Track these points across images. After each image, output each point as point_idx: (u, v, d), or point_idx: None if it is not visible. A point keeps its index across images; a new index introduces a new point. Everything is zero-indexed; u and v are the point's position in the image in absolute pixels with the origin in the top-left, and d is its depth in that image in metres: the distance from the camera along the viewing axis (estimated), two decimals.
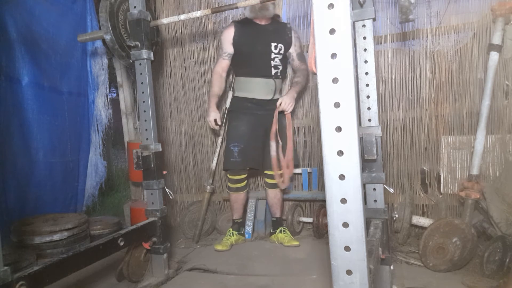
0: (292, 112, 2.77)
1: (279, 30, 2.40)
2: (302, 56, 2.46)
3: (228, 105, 2.75)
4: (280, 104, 2.28)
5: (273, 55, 2.37)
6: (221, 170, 2.98)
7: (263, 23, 2.40)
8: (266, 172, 2.48)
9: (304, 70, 2.43)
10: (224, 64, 2.45)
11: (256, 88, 2.40)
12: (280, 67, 2.42)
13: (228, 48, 2.41)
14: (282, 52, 2.39)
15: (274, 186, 2.45)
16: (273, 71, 2.40)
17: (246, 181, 2.53)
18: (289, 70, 2.66)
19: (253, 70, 2.40)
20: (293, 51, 2.43)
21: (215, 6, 2.78)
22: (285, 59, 2.45)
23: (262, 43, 2.36)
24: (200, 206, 2.80)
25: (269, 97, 2.41)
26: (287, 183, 2.30)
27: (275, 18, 2.48)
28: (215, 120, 2.42)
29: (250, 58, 2.40)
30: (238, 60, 2.45)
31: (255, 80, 2.40)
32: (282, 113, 2.35)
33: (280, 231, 2.48)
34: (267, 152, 2.41)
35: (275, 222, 2.57)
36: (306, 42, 2.71)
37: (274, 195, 2.50)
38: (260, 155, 2.46)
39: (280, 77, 2.46)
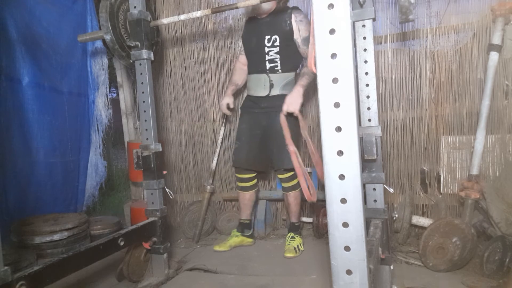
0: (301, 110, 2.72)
1: (275, 21, 2.23)
2: (308, 41, 2.11)
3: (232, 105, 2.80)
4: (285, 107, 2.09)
5: (266, 49, 2.23)
6: (221, 170, 2.99)
7: (262, 16, 2.29)
8: (278, 176, 2.39)
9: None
10: (241, 58, 2.48)
11: (252, 85, 2.34)
12: (278, 60, 2.24)
13: (241, 43, 2.47)
14: (277, 44, 2.22)
15: (286, 189, 2.35)
16: (268, 65, 2.26)
17: (253, 181, 2.46)
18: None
19: (251, 67, 2.36)
20: (297, 37, 2.19)
21: (215, 6, 2.78)
22: (287, 50, 2.23)
23: (257, 37, 2.28)
24: (200, 206, 2.80)
25: (264, 93, 2.27)
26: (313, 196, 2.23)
27: (281, 5, 2.29)
28: (228, 104, 2.41)
29: (248, 54, 2.38)
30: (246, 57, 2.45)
31: (251, 76, 2.35)
32: (275, 114, 2.19)
33: (290, 238, 2.33)
34: (272, 152, 2.30)
35: (289, 225, 2.45)
36: None
37: (286, 199, 2.40)
38: (258, 156, 2.37)
39: (280, 70, 2.25)
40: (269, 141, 2.32)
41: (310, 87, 2.20)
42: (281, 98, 2.21)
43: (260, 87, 2.28)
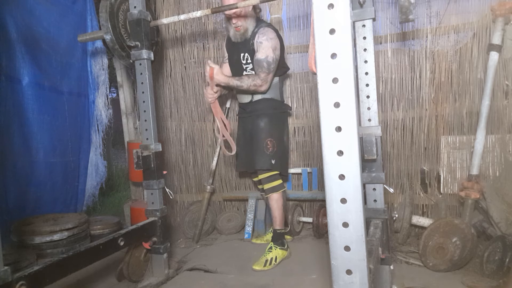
0: (292, 112, 2.78)
1: (246, 40, 2.23)
2: (259, 63, 2.15)
3: (228, 105, 2.80)
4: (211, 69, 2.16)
5: (243, 65, 2.28)
6: (221, 170, 2.99)
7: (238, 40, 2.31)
8: (259, 177, 2.31)
9: (257, 79, 2.16)
10: (224, 67, 2.41)
11: (239, 93, 2.38)
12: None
13: (225, 52, 2.45)
14: (249, 61, 2.25)
15: (266, 192, 2.28)
16: None
17: None
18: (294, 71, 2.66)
19: (235, 76, 2.36)
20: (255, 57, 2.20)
21: (215, 6, 2.78)
22: None
23: (236, 53, 2.31)
24: (200, 206, 2.80)
25: (248, 99, 2.33)
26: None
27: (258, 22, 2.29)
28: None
29: (231, 66, 2.38)
30: None
31: None
32: (256, 117, 2.27)
33: (268, 248, 2.21)
34: (253, 154, 2.28)
35: (272, 233, 2.32)
36: (306, 42, 2.72)
37: (267, 202, 2.36)
38: (249, 157, 2.35)
39: None
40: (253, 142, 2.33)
41: (231, 87, 2.27)
42: (263, 101, 2.29)
43: (244, 94, 2.33)
